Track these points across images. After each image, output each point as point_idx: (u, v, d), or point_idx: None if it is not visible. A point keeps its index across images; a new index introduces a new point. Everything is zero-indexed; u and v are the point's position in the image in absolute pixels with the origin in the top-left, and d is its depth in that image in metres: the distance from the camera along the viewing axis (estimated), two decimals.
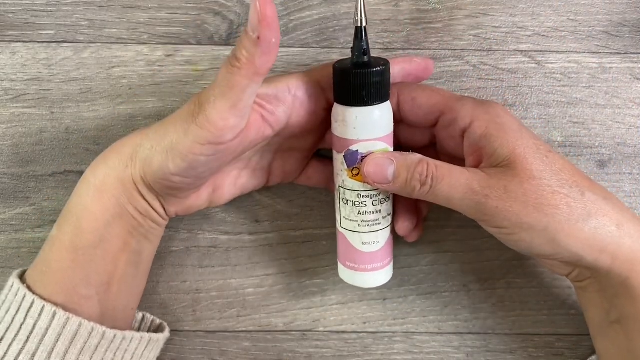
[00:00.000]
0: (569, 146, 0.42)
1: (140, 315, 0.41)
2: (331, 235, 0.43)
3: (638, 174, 0.42)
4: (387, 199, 0.37)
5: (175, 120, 0.34)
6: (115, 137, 0.42)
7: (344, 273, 0.39)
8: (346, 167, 0.35)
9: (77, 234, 0.35)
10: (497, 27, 0.40)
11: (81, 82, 0.41)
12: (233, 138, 0.32)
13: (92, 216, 0.35)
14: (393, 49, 0.41)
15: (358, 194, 0.36)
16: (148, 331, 0.41)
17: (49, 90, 0.41)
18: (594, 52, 0.41)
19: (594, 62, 0.41)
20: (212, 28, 0.40)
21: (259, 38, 0.29)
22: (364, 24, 0.33)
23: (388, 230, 0.38)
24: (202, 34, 0.40)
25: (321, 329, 0.45)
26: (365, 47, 0.34)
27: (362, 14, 0.33)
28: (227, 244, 0.44)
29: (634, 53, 0.41)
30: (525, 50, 0.41)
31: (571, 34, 0.41)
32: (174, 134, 0.33)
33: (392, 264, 0.39)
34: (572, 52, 0.41)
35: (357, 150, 0.35)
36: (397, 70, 0.37)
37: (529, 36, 0.41)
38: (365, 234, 0.37)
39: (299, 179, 0.41)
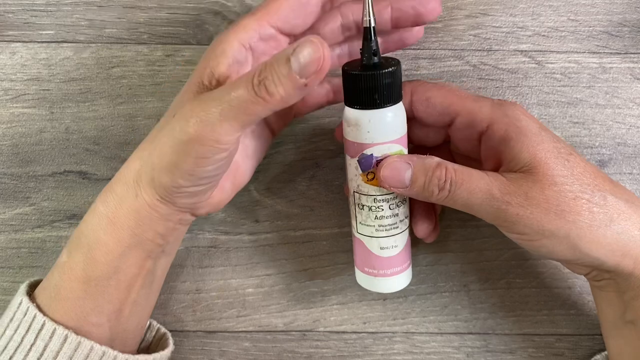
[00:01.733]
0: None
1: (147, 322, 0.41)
2: (331, 235, 0.43)
3: (638, 174, 0.42)
4: (404, 202, 0.36)
5: (168, 136, 0.31)
6: (115, 137, 0.42)
7: (362, 279, 0.38)
8: (361, 171, 0.34)
9: (90, 265, 0.34)
10: (497, 27, 0.40)
11: (81, 82, 0.41)
12: (236, 141, 0.31)
13: (106, 248, 0.34)
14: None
15: (374, 199, 0.35)
16: (152, 339, 0.41)
17: (48, 90, 0.41)
18: (594, 52, 0.41)
19: (594, 62, 0.41)
20: (212, 28, 0.40)
21: (306, 85, 0.28)
22: (372, 24, 0.32)
23: (406, 233, 0.37)
24: (202, 34, 0.40)
25: (321, 329, 0.45)
26: (375, 47, 0.32)
27: (371, 14, 0.32)
28: (227, 244, 0.44)
29: (634, 53, 0.41)
30: (526, 50, 0.41)
31: (571, 33, 0.41)
32: (173, 154, 0.31)
33: (411, 266, 0.38)
34: (572, 52, 0.41)
35: (372, 154, 0.34)
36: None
37: (529, 36, 0.40)
38: (383, 238, 0.36)
39: (300, 110, 0.38)
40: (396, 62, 0.33)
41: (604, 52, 0.41)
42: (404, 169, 0.33)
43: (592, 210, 0.32)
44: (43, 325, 0.34)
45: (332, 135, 0.42)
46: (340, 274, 0.44)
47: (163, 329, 0.42)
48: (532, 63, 0.41)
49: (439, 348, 0.44)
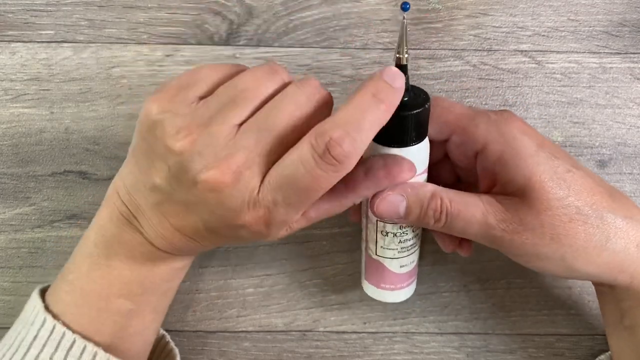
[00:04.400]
0: (569, 146, 0.42)
1: None
2: (331, 235, 0.43)
3: (638, 174, 0.42)
4: None
5: (212, 213, 0.30)
6: (115, 137, 0.42)
7: (376, 293, 0.39)
8: None
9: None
10: (498, 27, 0.40)
11: (81, 82, 0.41)
12: None
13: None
14: (393, 48, 0.41)
15: (400, 226, 0.35)
16: (163, 349, 0.42)
17: (48, 90, 0.41)
18: (594, 52, 0.41)
19: (594, 62, 0.41)
20: (212, 28, 0.40)
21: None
22: (406, 62, 0.30)
23: (419, 246, 0.38)
24: (202, 34, 0.40)
25: (321, 329, 0.45)
26: (409, 84, 0.31)
27: (404, 51, 0.30)
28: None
29: (634, 53, 0.41)
30: (526, 50, 0.41)
31: (571, 33, 0.41)
32: (222, 235, 0.31)
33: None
34: (572, 52, 0.41)
35: None
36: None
37: (529, 36, 0.40)
38: (404, 258, 0.36)
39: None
40: (425, 95, 0.32)
41: (604, 52, 0.41)
42: (397, 201, 0.33)
43: (588, 232, 0.32)
44: (73, 342, 0.33)
45: None
46: (340, 274, 0.44)
47: (171, 344, 0.42)
48: (532, 63, 0.41)
49: (439, 348, 0.44)
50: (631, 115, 0.41)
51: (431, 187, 0.33)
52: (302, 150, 0.27)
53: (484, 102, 0.41)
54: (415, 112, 0.31)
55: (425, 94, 0.32)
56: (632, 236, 0.32)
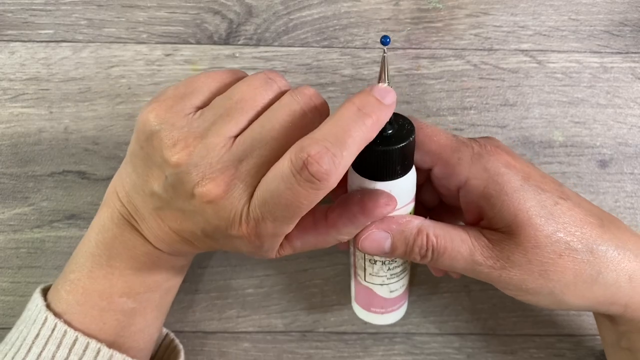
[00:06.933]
0: (570, 146, 0.41)
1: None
2: None
3: (639, 174, 0.42)
4: None
5: (207, 226, 0.30)
6: (114, 136, 0.41)
7: (367, 316, 0.39)
8: None
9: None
10: (498, 26, 0.40)
11: (80, 81, 0.41)
12: None
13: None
14: (394, 48, 0.40)
15: None
16: (166, 349, 0.42)
17: (47, 89, 0.41)
18: (595, 52, 0.41)
19: (595, 62, 0.41)
20: (211, 27, 0.40)
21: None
22: None
23: (409, 270, 0.37)
24: (201, 33, 0.40)
25: (321, 329, 0.44)
26: (391, 117, 0.29)
27: (386, 80, 0.29)
28: None
29: (635, 52, 0.41)
30: (527, 50, 0.41)
31: (572, 33, 0.40)
32: (219, 241, 0.31)
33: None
34: (573, 51, 0.41)
35: None
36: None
37: (530, 35, 0.40)
38: (393, 284, 0.36)
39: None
40: (410, 125, 0.31)
41: (605, 52, 0.41)
42: (383, 239, 0.32)
43: (578, 268, 0.31)
44: (76, 340, 0.33)
45: None
46: (340, 274, 0.44)
47: (176, 341, 0.41)
48: (533, 62, 0.41)
49: (440, 349, 0.44)
50: (632, 115, 0.41)
51: (417, 222, 0.32)
52: (283, 166, 0.27)
53: (484, 102, 0.41)
54: (399, 146, 0.29)
55: (410, 124, 0.31)
56: (624, 268, 0.32)
